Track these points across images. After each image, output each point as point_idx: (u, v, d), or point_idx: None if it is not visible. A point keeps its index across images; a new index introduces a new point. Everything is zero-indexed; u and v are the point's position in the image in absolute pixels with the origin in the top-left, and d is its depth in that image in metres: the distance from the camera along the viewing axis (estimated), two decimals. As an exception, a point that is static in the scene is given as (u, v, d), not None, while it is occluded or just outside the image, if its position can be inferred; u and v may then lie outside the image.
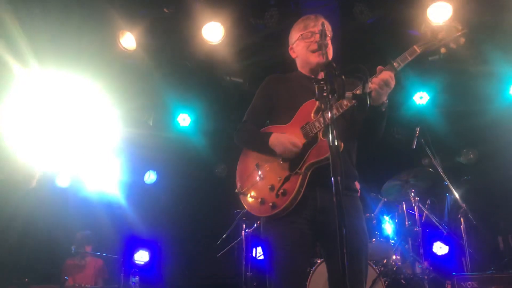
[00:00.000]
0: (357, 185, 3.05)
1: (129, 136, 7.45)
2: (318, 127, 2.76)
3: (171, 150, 8.23)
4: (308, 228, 2.78)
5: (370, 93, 2.61)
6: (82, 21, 5.90)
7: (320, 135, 2.76)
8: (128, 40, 6.20)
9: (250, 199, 2.95)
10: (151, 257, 8.05)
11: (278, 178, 2.82)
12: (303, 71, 3.13)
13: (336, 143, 2.08)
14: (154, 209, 7.97)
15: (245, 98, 7.57)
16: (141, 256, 8.03)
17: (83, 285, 6.15)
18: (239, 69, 7.23)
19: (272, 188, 2.82)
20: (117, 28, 6.09)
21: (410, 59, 2.70)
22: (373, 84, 2.62)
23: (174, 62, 7.15)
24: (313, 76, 3.02)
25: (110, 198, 7.71)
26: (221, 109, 8.18)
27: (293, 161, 2.80)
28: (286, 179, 2.79)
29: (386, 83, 2.61)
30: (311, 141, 2.79)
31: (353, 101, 2.65)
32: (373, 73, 2.67)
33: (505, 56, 6.55)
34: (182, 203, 8.21)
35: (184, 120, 8.27)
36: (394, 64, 2.68)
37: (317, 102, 2.76)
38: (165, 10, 6.11)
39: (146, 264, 7.97)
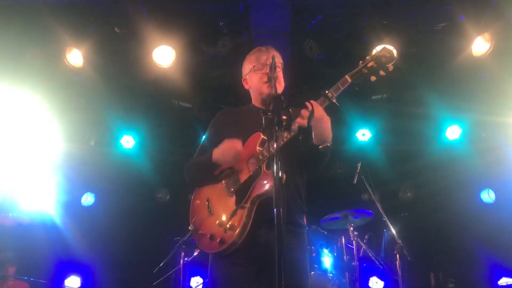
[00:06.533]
0: (305, 220, 3.00)
1: (69, 155, 7.17)
2: (261, 159, 2.73)
3: (112, 172, 7.97)
4: (252, 266, 2.72)
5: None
6: (25, 34, 5.71)
7: (264, 167, 2.73)
8: (75, 56, 6.04)
9: (201, 236, 2.89)
10: (82, 283, 7.68)
11: (226, 213, 2.78)
12: (256, 103, 3.13)
13: (280, 174, 2.07)
14: (90, 232, 7.61)
15: (193, 123, 7.52)
16: (72, 282, 7.64)
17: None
18: (188, 94, 7.20)
19: (220, 224, 2.77)
20: (64, 44, 5.92)
21: (342, 88, 2.70)
22: (302, 118, 2.57)
23: (121, 83, 7.01)
24: (264, 108, 3.00)
25: (43, 218, 7.32)
26: (167, 134, 8.06)
27: (240, 195, 2.77)
28: (233, 213, 2.73)
29: (311, 113, 2.56)
30: (256, 173, 2.76)
31: (293, 133, 2.64)
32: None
33: (442, 101, 6.93)
34: (119, 228, 7.91)
35: (128, 142, 8.07)
36: (328, 94, 2.69)
37: (262, 135, 2.78)
38: (116, 29, 6.01)
39: (77, 291, 7.59)
